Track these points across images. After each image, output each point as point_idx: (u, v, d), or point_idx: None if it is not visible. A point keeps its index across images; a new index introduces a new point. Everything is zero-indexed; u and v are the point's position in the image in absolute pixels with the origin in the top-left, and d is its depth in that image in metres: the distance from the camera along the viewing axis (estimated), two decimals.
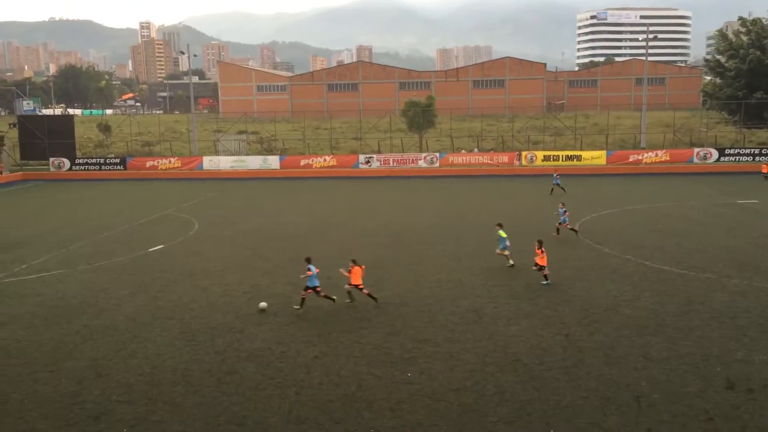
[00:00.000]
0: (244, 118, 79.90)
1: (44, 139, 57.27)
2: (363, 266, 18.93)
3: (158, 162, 57.98)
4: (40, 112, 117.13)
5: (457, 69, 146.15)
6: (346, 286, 18.86)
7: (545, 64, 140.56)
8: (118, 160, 58.12)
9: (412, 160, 56.46)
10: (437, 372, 14.06)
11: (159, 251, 26.47)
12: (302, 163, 56.99)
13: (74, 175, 56.22)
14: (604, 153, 55.69)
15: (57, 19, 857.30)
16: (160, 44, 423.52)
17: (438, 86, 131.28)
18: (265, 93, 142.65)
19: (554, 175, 42.00)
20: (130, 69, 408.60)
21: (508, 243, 22.93)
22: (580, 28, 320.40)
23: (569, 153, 56.31)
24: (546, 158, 55.45)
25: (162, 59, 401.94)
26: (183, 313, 18.33)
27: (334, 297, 18.52)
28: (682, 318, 17.31)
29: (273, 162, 57.11)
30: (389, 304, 18.91)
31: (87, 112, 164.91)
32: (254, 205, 39.42)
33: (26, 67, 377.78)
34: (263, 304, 18.44)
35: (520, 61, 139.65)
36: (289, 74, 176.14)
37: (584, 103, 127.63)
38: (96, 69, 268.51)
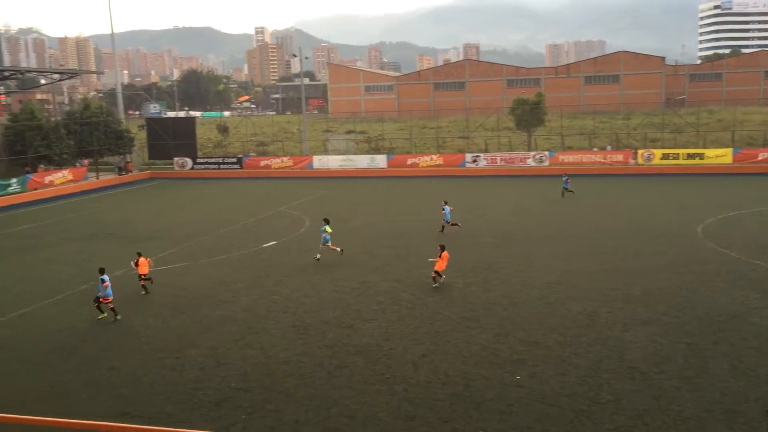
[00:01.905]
0: (353, 118, 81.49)
1: (169, 139, 60.99)
2: (149, 259, 21.33)
3: (271, 161, 60.25)
4: (165, 114, 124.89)
5: (567, 65, 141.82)
6: (140, 281, 20.71)
7: (664, 58, 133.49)
8: (235, 160, 60.93)
9: (520, 158, 55.39)
10: (548, 376, 13.73)
11: (273, 247, 27.53)
12: (409, 162, 57.35)
13: (195, 174, 59.52)
14: (729, 151, 52.12)
15: (180, 26, 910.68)
16: (274, 48, 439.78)
17: (547, 83, 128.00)
18: (373, 93, 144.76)
19: (564, 178, 39.82)
20: (246, 72, 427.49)
21: (329, 239, 24.41)
22: (702, 18, 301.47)
23: (690, 151, 53.20)
24: (665, 156, 52.70)
25: (275, 62, 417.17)
26: (296, 307, 18.97)
27: (119, 316, 18.24)
28: None
29: (380, 161, 57.85)
30: (497, 304, 18.68)
31: (207, 114, 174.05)
32: (362, 203, 40.13)
33: (153, 73, 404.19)
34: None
35: (636, 55, 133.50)
36: (396, 74, 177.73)
37: (707, 98, 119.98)
38: (215, 73, 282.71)
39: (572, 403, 12.49)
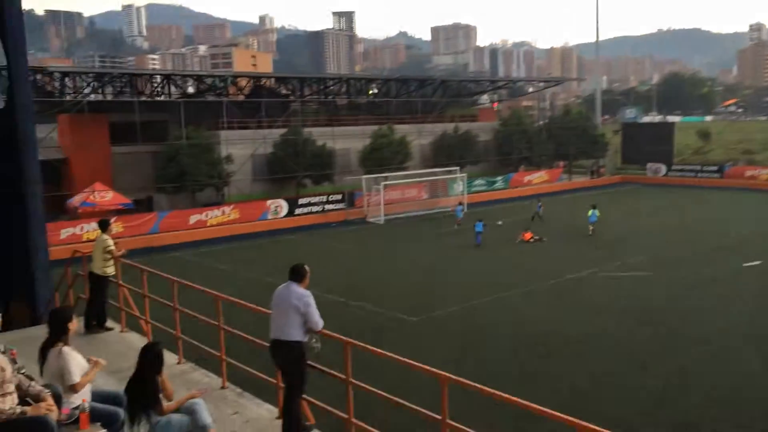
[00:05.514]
0: None
1: (644, 145, 59.61)
2: None
3: (758, 171, 53.32)
4: (640, 119, 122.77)
5: None
6: None
7: None
8: (714, 168, 56.09)
9: None
10: None
11: (755, 267, 24.34)
12: None
13: (669, 181, 56.77)
14: None
15: (665, 29, 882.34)
16: None
17: None
18: None
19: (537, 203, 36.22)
20: (735, 73, 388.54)
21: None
22: None
23: None
24: None
25: None
26: None
27: None
28: None
29: None
30: None
31: (686, 118, 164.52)
32: None
33: (632, 77, 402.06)
34: None
35: None
36: None
37: None
38: (699, 75, 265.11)
39: None
